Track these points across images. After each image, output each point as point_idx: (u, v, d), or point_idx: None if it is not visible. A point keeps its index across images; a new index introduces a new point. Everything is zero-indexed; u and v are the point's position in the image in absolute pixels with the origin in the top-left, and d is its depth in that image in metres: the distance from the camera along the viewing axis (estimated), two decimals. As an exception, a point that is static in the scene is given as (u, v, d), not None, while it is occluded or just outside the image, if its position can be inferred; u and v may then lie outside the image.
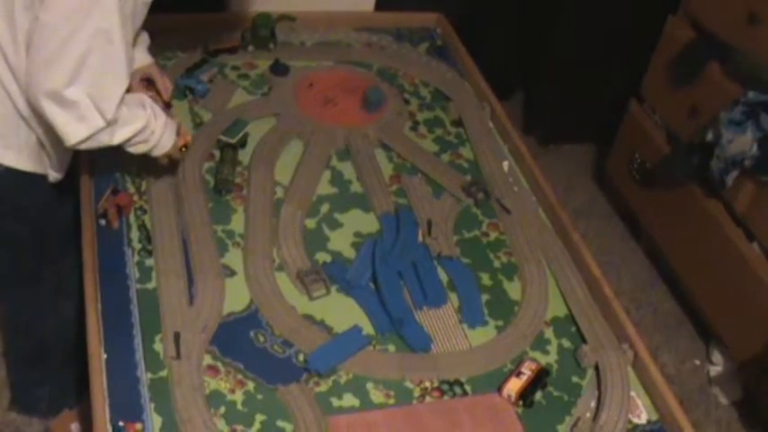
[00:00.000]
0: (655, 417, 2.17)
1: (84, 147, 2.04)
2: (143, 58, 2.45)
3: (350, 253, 2.42)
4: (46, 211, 2.26)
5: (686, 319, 3.84)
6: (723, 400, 3.53)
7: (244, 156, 2.64)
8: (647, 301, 3.90)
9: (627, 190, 4.03)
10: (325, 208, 2.54)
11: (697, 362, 3.67)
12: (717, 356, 3.59)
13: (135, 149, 2.18)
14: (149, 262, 2.26)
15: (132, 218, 2.36)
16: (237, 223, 2.43)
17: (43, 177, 2.28)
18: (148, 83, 2.49)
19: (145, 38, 2.44)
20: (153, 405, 1.95)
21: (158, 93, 2.49)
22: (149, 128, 2.15)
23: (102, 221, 2.32)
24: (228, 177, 2.52)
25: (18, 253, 2.44)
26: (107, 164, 2.46)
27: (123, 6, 1.94)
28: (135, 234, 2.33)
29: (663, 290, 3.96)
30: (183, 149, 2.35)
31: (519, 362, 2.20)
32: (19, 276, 2.55)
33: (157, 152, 2.25)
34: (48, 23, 1.88)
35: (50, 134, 2.12)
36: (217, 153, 2.60)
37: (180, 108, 2.72)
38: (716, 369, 3.59)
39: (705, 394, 3.56)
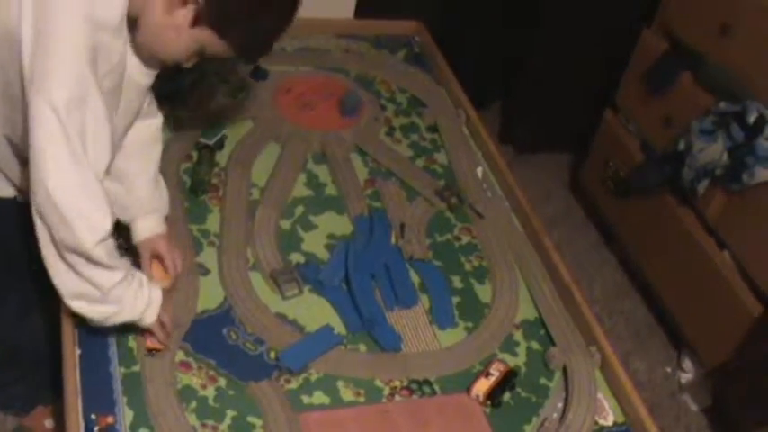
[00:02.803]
0: (621, 419, 2.20)
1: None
2: (153, 227, 2.23)
3: (323, 254, 2.45)
4: (10, 231, 2.22)
5: (658, 326, 3.86)
6: (693, 407, 3.56)
7: (221, 157, 2.67)
8: (619, 308, 3.92)
9: (601, 199, 4.07)
10: (299, 210, 2.57)
11: (668, 369, 3.70)
12: (687, 363, 3.62)
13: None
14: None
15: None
16: (213, 223, 2.46)
17: (6, 200, 2.22)
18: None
19: (160, 205, 2.26)
20: (125, 399, 1.98)
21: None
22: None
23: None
24: (205, 178, 2.54)
25: None
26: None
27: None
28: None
29: (635, 298, 3.98)
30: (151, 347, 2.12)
31: (488, 363, 2.23)
32: None
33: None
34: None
35: (9, 160, 2.08)
36: (194, 154, 2.63)
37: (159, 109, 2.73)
38: (686, 376, 3.62)
39: (675, 401, 3.59)
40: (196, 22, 1.85)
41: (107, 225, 1.82)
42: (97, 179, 1.81)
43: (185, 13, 1.84)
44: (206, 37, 1.88)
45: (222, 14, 1.85)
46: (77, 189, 1.77)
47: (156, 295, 2.04)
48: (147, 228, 2.21)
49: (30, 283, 1.98)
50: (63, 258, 1.83)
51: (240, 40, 1.91)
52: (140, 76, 2.00)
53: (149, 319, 2.03)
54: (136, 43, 1.92)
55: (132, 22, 1.88)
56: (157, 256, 2.21)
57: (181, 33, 1.87)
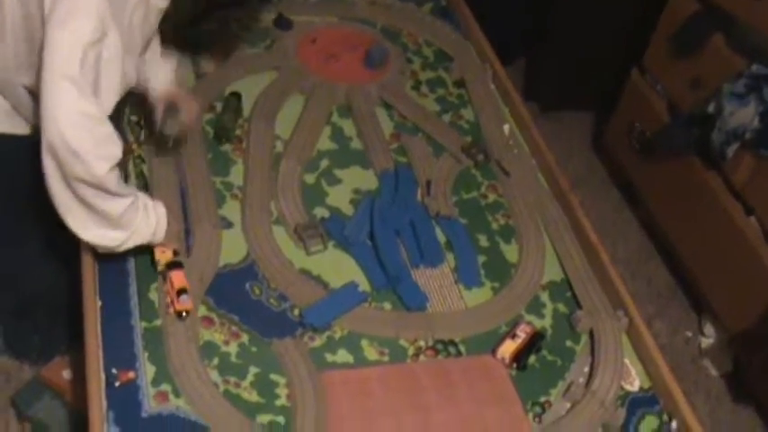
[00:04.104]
0: (647, 384, 2.17)
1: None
2: (165, 80, 2.31)
3: (348, 209, 2.41)
4: (26, 170, 2.20)
5: (680, 290, 3.83)
6: (713, 372, 3.53)
7: (245, 109, 2.62)
8: (641, 271, 3.89)
9: (625, 159, 4.02)
10: (324, 163, 2.53)
11: (689, 333, 3.67)
12: (708, 328, 3.59)
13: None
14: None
15: (131, 166, 2.34)
16: (236, 175, 2.42)
17: (21, 137, 2.21)
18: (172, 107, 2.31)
19: (170, 59, 2.34)
20: (146, 354, 1.95)
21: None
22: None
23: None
24: (229, 125, 2.50)
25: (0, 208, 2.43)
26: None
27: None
28: (133, 183, 2.32)
29: (657, 260, 3.95)
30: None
31: (514, 324, 2.20)
32: (4, 234, 2.54)
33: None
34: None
35: (23, 98, 2.08)
36: (218, 105, 2.58)
37: (182, 60, 2.67)
38: (707, 341, 3.59)
39: (695, 365, 3.56)
40: None
41: (118, 153, 1.83)
42: (106, 113, 1.82)
43: None
44: None
45: None
46: (89, 122, 1.76)
47: (162, 212, 2.05)
48: (161, 80, 2.26)
49: (49, 228, 1.96)
50: (73, 191, 1.83)
51: None
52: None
53: (159, 236, 2.05)
54: None
55: None
56: (173, 106, 2.26)
57: None
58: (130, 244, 2.00)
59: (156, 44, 2.26)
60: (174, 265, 2.09)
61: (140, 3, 1.87)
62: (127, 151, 2.31)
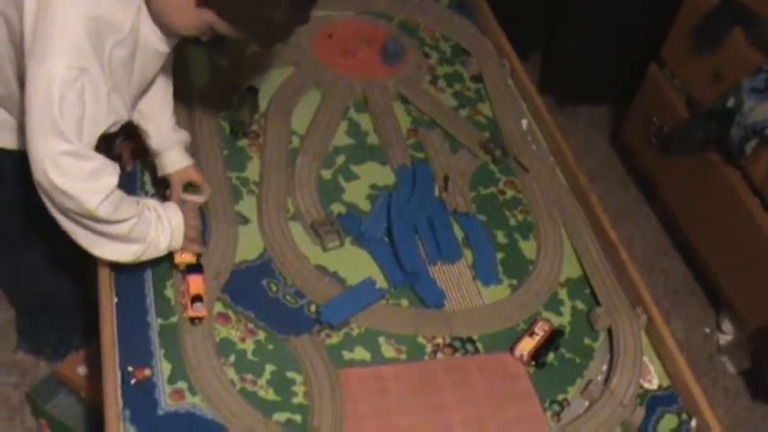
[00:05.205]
0: (666, 383, 2.16)
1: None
2: (180, 160, 2.23)
3: (365, 205, 2.40)
4: (25, 184, 2.18)
5: (697, 286, 3.81)
6: (731, 369, 3.51)
7: (260, 105, 2.60)
8: (658, 266, 3.87)
9: (643, 154, 3.99)
10: (341, 159, 2.52)
11: (707, 330, 3.65)
12: (727, 325, 3.57)
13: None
14: (163, 207, 2.23)
15: (147, 162, 2.33)
16: (252, 171, 2.41)
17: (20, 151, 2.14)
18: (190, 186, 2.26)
19: (182, 136, 2.25)
20: (162, 351, 1.94)
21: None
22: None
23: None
24: (245, 120, 2.49)
25: (2, 219, 2.41)
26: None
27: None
28: (149, 178, 2.31)
29: (675, 256, 3.93)
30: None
31: (532, 322, 2.19)
32: (8, 244, 2.53)
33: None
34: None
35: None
36: (234, 99, 2.56)
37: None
38: (725, 338, 3.57)
39: (713, 362, 3.54)
40: (200, 2, 1.78)
41: (110, 182, 1.80)
42: (91, 146, 1.78)
43: None
44: (212, 18, 1.81)
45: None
46: (73, 161, 1.74)
47: (177, 220, 2.02)
48: (177, 159, 2.21)
49: (52, 236, 1.94)
50: (74, 221, 1.83)
51: (248, 26, 1.83)
52: (158, 43, 1.93)
53: (177, 243, 2.03)
54: (151, 11, 1.87)
55: None
56: (190, 184, 2.21)
57: (186, 12, 1.81)
58: (148, 255, 1.98)
59: (162, 101, 2.20)
60: (193, 268, 2.07)
61: (122, 43, 1.81)
62: (143, 146, 2.28)
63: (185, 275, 2.05)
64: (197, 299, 2.00)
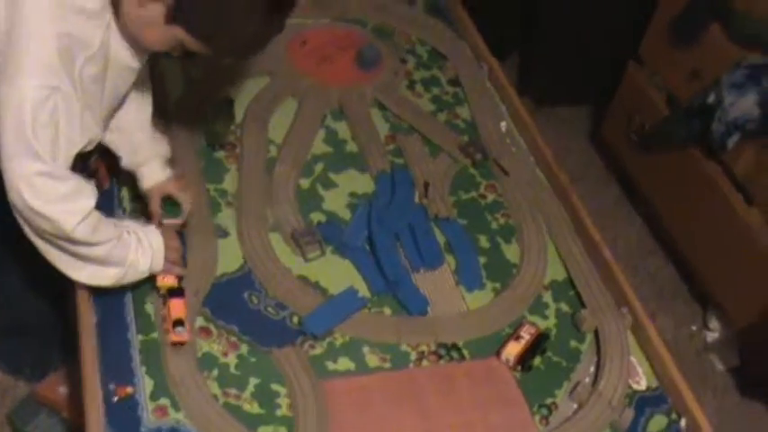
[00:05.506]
0: (654, 383, 2.15)
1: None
2: (158, 173, 2.19)
3: (345, 213, 2.38)
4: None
5: (683, 284, 3.80)
6: (719, 367, 3.50)
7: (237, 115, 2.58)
8: (643, 266, 3.85)
9: (624, 153, 3.98)
10: (319, 167, 2.50)
11: (693, 328, 3.64)
12: (714, 322, 3.56)
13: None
14: (141, 222, 2.20)
15: (124, 178, 2.30)
16: (230, 182, 2.38)
17: None
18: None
19: (160, 149, 2.22)
20: (144, 368, 1.92)
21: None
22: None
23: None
24: (221, 131, 2.47)
25: None
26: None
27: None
28: (126, 193, 2.29)
29: (659, 255, 3.91)
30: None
31: (517, 326, 2.17)
32: None
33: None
34: None
35: None
36: (209, 110, 2.53)
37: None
38: (712, 335, 3.56)
39: (701, 360, 3.53)
40: (168, 19, 1.76)
41: (86, 204, 1.79)
42: (66, 166, 1.77)
43: (158, 9, 1.76)
44: (181, 35, 1.79)
45: (193, 16, 1.76)
46: (48, 182, 1.72)
47: (158, 242, 2.01)
48: (154, 172, 2.18)
49: (30, 259, 1.92)
50: (50, 243, 1.81)
51: (218, 42, 1.81)
52: (129, 58, 1.92)
53: (158, 266, 2.01)
54: (120, 27, 1.85)
55: (116, 6, 1.81)
56: (168, 198, 2.19)
57: (155, 28, 1.80)
58: (129, 279, 1.97)
59: (137, 113, 2.18)
60: (174, 292, 2.04)
61: (92, 59, 1.78)
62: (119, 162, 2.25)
63: (167, 299, 2.02)
64: (178, 323, 1.97)
